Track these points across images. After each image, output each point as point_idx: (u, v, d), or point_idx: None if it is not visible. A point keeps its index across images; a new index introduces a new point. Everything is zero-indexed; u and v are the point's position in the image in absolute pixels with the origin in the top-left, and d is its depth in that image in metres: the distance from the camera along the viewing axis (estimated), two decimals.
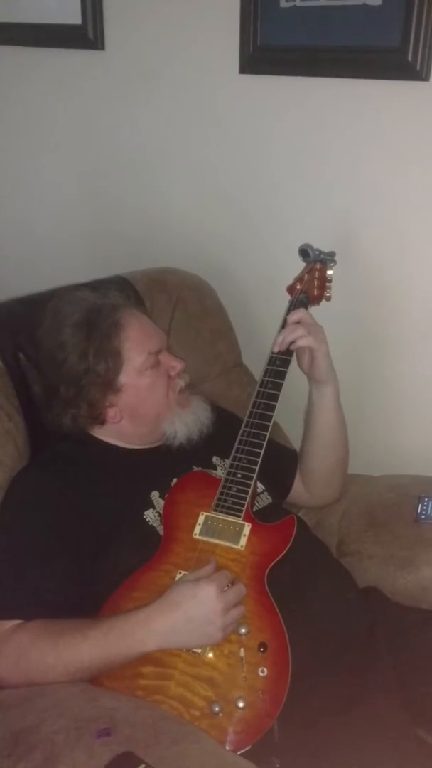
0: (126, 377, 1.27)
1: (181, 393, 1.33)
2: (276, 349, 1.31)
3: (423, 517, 1.40)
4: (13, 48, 1.98)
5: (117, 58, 1.82)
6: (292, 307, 1.35)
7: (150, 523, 1.22)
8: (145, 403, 1.29)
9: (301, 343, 1.29)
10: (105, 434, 1.33)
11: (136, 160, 1.87)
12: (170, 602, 1.07)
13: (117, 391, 1.27)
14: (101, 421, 1.29)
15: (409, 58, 1.41)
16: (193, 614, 1.06)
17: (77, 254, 2.01)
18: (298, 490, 1.47)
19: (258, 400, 1.29)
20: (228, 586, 1.10)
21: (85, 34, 1.82)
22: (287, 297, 1.39)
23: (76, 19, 1.82)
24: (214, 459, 1.36)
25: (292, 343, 1.30)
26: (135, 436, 1.33)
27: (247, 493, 1.22)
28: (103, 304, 1.29)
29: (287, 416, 1.47)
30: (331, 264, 1.40)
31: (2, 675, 1.08)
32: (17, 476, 1.28)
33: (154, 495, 1.26)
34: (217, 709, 1.04)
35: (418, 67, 1.41)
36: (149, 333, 1.31)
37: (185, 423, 1.31)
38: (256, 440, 1.26)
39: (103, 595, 1.14)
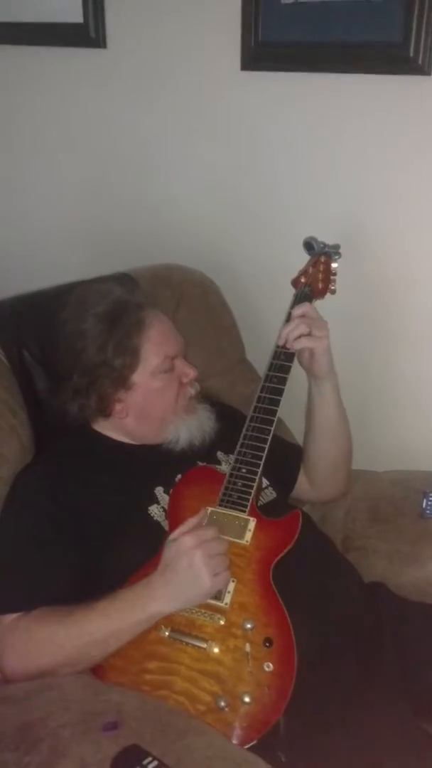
0: (139, 376, 1.27)
1: (189, 400, 1.33)
2: (281, 343, 1.31)
3: (428, 512, 1.40)
4: (15, 47, 1.98)
5: (119, 57, 1.83)
6: (297, 300, 1.35)
7: (155, 518, 1.22)
8: (152, 404, 1.29)
9: (297, 346, 1.29)
10: (108, 429, 1.33)
11: (139, 157, 1.87)
12: (162, 566, 1.10)
13: (128, 388, 1.27)
14: (107, 414, 1.30)
15: (411, 53, 1.41)
16: (179, 569, 1.08)
17: (80, 251, 2.01)
18: (303, 486, 1.47)
19: (262, 395, 1.29)
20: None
21: (86, 33, 1.83)
22: (291, 291, 1.38)
23: (77, 17, 1.83)
24: (219, 454, 1.36)
25: (294, 340, 1.29)
26: (137, 434, 1.33)
27: (252, 488, 1.21)
28: (129, 301, 1.29)
29: (291, 411, 1.46)
30: (336, 257, 1.40)
31: (12, 665, 1.09)
32: (21, 471, 1.28)
33: (159, 491, 1.26)
34: (222, 704, 1.04)
35: (420, 62, 1.42)
36: (170, 337, 1.31)
37: (189, 429, 1.31)
38: (260, 435, 1.26)
39: (109, 590, 1.13)
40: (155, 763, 0.88)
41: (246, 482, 1.22)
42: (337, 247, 1.41)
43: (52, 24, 1.88)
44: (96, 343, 1.25)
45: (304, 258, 1.42)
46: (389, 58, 1.45)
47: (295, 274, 1.41)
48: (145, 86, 1.81)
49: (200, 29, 1.69)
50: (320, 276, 1.38)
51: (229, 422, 1.36)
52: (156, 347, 1.28)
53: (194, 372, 1.33)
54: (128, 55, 1.82)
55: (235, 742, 1.02)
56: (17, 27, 1.95)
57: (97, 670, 1.11)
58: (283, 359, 1.30)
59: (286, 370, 1.29)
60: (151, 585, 1.09)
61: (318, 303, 1.38)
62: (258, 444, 1.25)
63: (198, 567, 1.07)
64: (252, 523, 1.18)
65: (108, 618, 1.08)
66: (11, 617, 1.11)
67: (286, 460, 1.45)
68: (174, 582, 1.08)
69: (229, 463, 1.28)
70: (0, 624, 1.12)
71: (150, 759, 0.89)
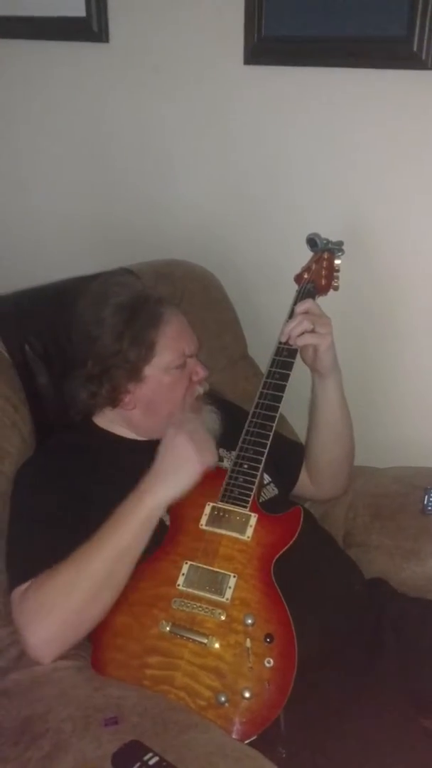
0: (151, 370, 1.28)
1: (196, 399, 1.34)
2: (284, 340, 1.31)
3: (429, 508, 1.40)
4: (18, 41, 1.98)
5: (121, 51, 1.82)
6: (300, 297, 1.35)
7: None
8: (161, 398, 1.30)
9: (300, 342, 1.29)
10: (111, 423, 1.33)
11: (142, 151, 1.87)
12: (152, 466, 1.15)
13: (139, 380, 1.28)
14: (115, 404, 1.30)
15: (415, 47, 1.40)
16: (167, 456, 1.14)
17: (83, 246, 2.01)
18: (304, 483, 1.47)
19: (265, 391, 1.29)
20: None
21: (89, 27, 1.82)
22: (294, 287, 1.38)
23: (80, 11, 1.82)
24: (221, 451, 1.35)
25: (298, 336, 1.29)
26: (142, 428, 1.33)
27: (253, 483, 1.22)
28: (150, 295, 1.31)
29: (294, 409, 1.46)
30: (339, 253, 1.40)
31: (32, 633, 1.07)
32: (25, 464, 1.28)
33: None
34: (223, 699, 1.04)
35: (423, 57, 1.41)
36: (186, 335, 1.32)
37: None
38: (262, 431, 1.26)
39: None
40: (156, 758, 0.88)
41: (248, 478, 1.22)
42: (340, 243, 1.41)
43: (54, 18, 1.87)
44: (113, 332, 1.25)
45: (307, 254, 1.42)
46: (393, 52, 1.44)
47: (298, 271, 1.40)
48: (147, 81, 1.80)
49: (203, 23, 1.68)
50: (323, 272, 1.39)
51: (231, 419, 1.36)
52: (171, 343, 1.28)
53: (205, 372, 1.33)
54: (131, 49, 1.81)
55: (235, 737, 1.02)
56: (19, 21, 1.94)
57: (97, 664, 1.11)
58: (285, 356, 1.30)
59: (289, 366, 1.29)
60: (141, 484, 1.13)
61: (321, 299, 1.37)
62: (260, 440, 1.25)
63: (183, 445, 1.12)
64: (253, 519, 1.18)
65: (109, 538, 1.09)
66: (21, 588, 1.11)
67: (288, 457, 1.45)
68: (163, 468, 1.13)
69: (231, 460, 1.28)
70: (12, 600, 1.12)
71: (151, 755, 0.89)
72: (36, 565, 1.12)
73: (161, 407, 1.30)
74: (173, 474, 1.13)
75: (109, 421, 1.34)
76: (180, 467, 1.13)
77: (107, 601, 1.10)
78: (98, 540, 1.09)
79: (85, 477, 1.23)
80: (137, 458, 1.30)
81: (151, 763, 0.88)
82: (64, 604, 1.08)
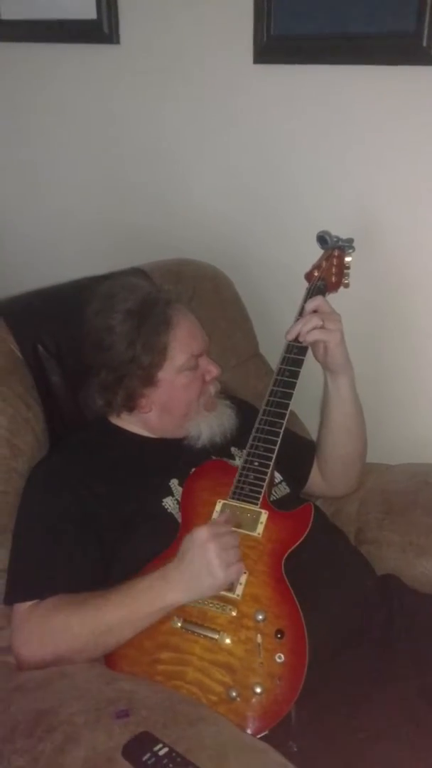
0: (165, 373, 1.28)
1: (209, 397, 1.34)
2: (292, 337, 1.31)
3: None
4: (29, 45, 2.00)
5: (132, 52, 1.84)
6: (310, 294, 1.35)
7: (169, 510, 1.23)
8: (176, 400, 1.30)
9: (310, 338, 1.29)
10: (129, 422, 1.34)
11: (153, 152, 1.88)
12: (178, 558, 1.11)
13: (153, 384, 1.28)
14: (131, 409, 1.30)
15: (424, 43, 1.40)
16: (193, 558, 1.09)
17: (94, 246, 2.03)
18: (316, 480, 1.47)
19: (275, 389, 1.29)
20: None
21: (100, 29, 1.84)
22: (305, 285, 1.38)
23: (91, 14, 1.84)
24: (233, 449, 1.36)
25: (307, 333, 1.29)
26: (159, 428, 1.33)
27: (264, 480, 1.22)
28: (159, 297, 1.30)
29: (305, 406, 1.47)
30: (349, 251, 1.40)
31: (28, 652, 1.11)
32: (39, 463, 1.29)
33: (173, 483, 1.27)
34: (234, 694, 1.05)
35: None
36: (195, 335, 1.32)
37: (210, 426, 1.32)
38: (272, 428, 1.26)
39: (122, 579, 1.14)
40: (166, 749, 0.89)
41: (258, 475, 1.23)
42: (350, 241, 1.41)
43: (65, 21, 1.89)
44: (125, 340, 1.25)
45: (317, 252, 1.42)
46: (402, 48, 1.44)
47: (308, 268, 1.41)
48: (158, 81, 1.82)
49: (213, 23, 1.69)
50: (333, 270, 1.38)
51: (243, 418, 1.37)
52: (183, 345, 1.28)
53: (217, 370, 1.34)
54: (141, 50, 1.82)
55: (246, 732, 1.03)
56: (31, 24, 1.96)
57: (109, 660, 1.12)
58: (295, 353, 1.30)
59: (299, 364, 1.29)
60: (166, 576, 1.10)
61: (331, 297, 1.38)
62: (270, 437, 1.25)
63: (211, 559, 1.08)
64: (264, 516, 1.19)
65: (123, 608, 1.09)
66: (26, 605, 1.13)
67: (300, 455, 1.46)
68: (189, 573, 1.09)
69: (242, 457, 1.28)
70: (15, 612, 1.14)
71: (161, 746, 0.90)
72: (41, 587, 1.14)
73: (177, 408, 1.31)
74: (197, 583, 1.10)
75: (123, 419, 1.34)
76: (203, 580, 1.09)
77: (106, 650, 1.12)
78: (112, 603, 1.10)
79: (101, 477, 1.24)
80: (152, 456, 1.31)
81: (160, 753, 0.89)
82: (66, 645, 1.10)
